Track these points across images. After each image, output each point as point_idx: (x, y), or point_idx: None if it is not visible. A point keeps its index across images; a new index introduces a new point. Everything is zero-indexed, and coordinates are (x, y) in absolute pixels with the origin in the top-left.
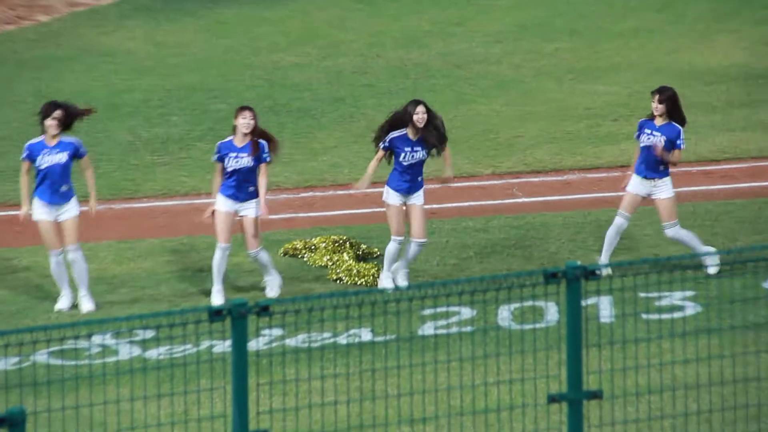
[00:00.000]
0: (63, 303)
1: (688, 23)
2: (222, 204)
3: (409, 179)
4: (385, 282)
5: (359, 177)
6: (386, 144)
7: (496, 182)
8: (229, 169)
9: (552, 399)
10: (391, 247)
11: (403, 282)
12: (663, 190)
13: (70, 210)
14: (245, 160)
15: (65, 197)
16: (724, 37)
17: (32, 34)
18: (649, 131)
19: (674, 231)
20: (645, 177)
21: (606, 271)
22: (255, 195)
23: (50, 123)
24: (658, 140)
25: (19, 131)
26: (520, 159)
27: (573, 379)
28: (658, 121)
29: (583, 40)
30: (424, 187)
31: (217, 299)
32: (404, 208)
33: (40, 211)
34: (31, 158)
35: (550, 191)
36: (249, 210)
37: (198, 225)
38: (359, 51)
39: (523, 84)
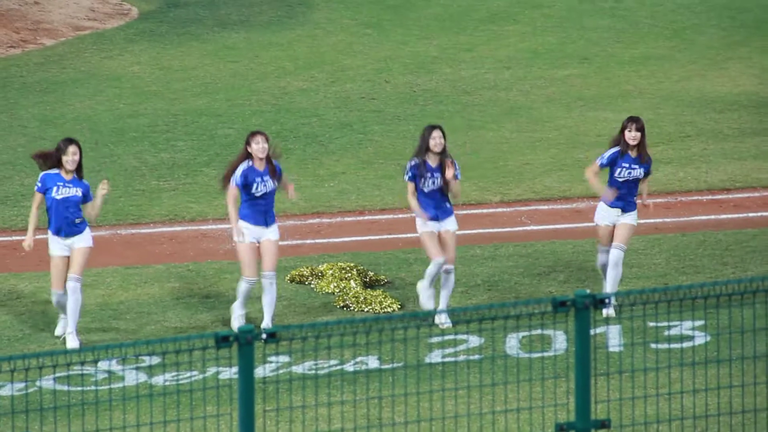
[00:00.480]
0: (62, 329)
1: (699, 51)
2: (246, 235)
3: (434, 205)
4: (425, 301)
5: (368, 204)
6: (410, 175)
7: (504, 210)
8: (258, 194)
9: (560, 428)
10: (432, 269)
11: (447, 323)
12: (629, 217)
13: (84, 240)
14: (271, 183)
15: (79, 228)
16: (734, 64)
17: (37, 57)
18: (627, 165)
19: (620, 256)
20: (615, 207)
21: (608, 311)
22: (274, 219)
23: (68, 159)
24: (637, 173)
25: (24, 156)
26: (529, 186)
27: (581, 408)
28: (634, 153)
29: (594, 67)
30: (454, 213)
31: (237, 324)
32: (437, 233)
33: (55, 246)
34: (45, 189)
35: (559, 219)
36: (271, 233)
37: (205, 251)
38: (367, 76)
39: (532, 111)
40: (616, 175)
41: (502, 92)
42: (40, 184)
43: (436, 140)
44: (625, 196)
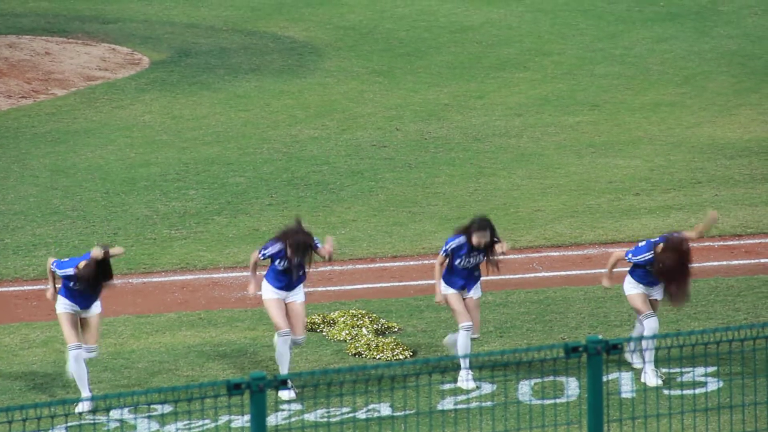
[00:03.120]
0: (85, 405)
1: (709, 97)
2: (272, 293)
3: (465, 276)
4: (464, 382)
5: (379, 251)
6: (445, 251)
7: (516, 256)
8: (281, 268)
9: None
10: (462, 337)
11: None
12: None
13: (96, 307)
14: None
15: (91, 300)
16: (745, 111)
17: (48, 107)
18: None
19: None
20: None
21: (654, 380)
22: (303, 279)
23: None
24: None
25: (35, 206)
26: (541, 233)
27: None
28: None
29: (604, 113)
30: (481, 280)
31: (284, 393)
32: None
33: (63, 306)
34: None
35: (570, 266)
36: (297, 296)
37: (216, 299)
38: (378, 124)
39: (543, 157)
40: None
41: (513, 139)
42: (55, 266)
43: (479, 241)
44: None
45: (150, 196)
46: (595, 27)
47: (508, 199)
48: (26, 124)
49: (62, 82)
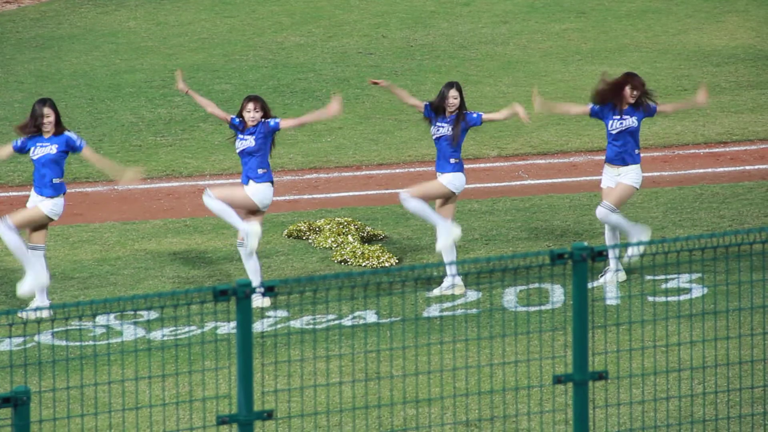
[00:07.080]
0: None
1: (696, 4)
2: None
3: (438, 156)
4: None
5: (365, 159)
6: (425, 111)
7: (502, 164)
8: (237, 150)
9: (557, 380)
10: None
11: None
12: (628, 176)
13: (47, 205)
14: (248, 142)
15: (55, 190)
16: (731, 17)
17: (33, 13)
18: (617, 117)
19: (605, 214)
20: (613, 164)
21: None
22: (264, 178)
23: (44, 122)
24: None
25: (20, 111)
26: (527, 141)
27: (578, 361)
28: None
29: (591, 20)
30: (455, 171)
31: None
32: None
33: (31, 197)
34: (22, 149)
35: (556, 173)
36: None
37: (202, 206)
38: (364, 31)
39: (529, 65)
40: (611, 127)
41: (499, 47)
42: (20, 143)
43: (450, 100)
44: (629, 150)
45: (135, 103)
46: None
47: (494, 107)
48: (11, 29)
49: None
